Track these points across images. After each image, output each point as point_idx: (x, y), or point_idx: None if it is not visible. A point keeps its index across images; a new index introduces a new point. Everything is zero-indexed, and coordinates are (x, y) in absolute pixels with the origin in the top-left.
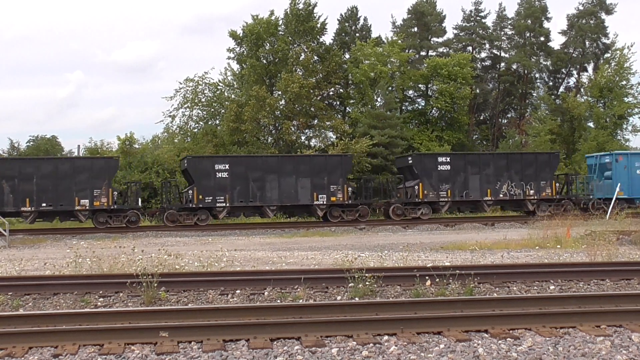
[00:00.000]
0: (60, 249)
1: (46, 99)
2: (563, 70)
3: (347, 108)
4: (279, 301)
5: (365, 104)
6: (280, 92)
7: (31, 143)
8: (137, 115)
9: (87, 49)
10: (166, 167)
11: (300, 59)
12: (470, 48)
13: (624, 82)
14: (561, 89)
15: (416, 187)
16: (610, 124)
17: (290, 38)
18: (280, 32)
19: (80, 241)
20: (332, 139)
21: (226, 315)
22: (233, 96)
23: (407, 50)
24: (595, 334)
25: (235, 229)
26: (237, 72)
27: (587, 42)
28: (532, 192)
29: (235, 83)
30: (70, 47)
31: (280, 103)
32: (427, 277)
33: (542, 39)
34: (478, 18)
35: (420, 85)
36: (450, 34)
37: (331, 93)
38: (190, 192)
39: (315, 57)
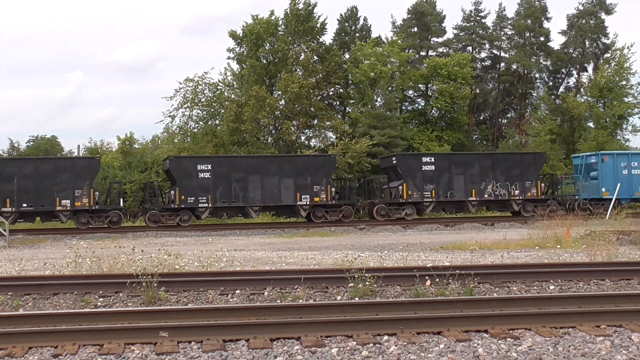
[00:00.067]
0: (60, 249)
1: (46, 99)
2: (563, 70)
3: (347, 108)
4: (278, 301)
5: (365, 104)
6: (280, 92)
7: (31, 143)
8: (137, 115)
9: (87, 49)
10: None
11: (300, 59)
12: (470, 48)
13: (623, 82)
14: (561, 89)
15: (400, 187)
16: (610, 124)
17: (290, 38)
18: (280, 32)
19: (80, 241)
20: (332, 139)
21: (226, 315)
22: (233, 96)
23: (407, 50)
24: (595, 334)
25: (235, 229)
26: (237, 72)
27: (587, 42)
28: (517, 192)
29: (235, 83)
30: (70, 47)
31: (280, 103)
32: (427, 277)
33: (542, 39)
34: (478, 18)
35: (420, 85)
36: (450, 34)
37: (331, 93)
38: (172, 192)
39: (315, 57)
